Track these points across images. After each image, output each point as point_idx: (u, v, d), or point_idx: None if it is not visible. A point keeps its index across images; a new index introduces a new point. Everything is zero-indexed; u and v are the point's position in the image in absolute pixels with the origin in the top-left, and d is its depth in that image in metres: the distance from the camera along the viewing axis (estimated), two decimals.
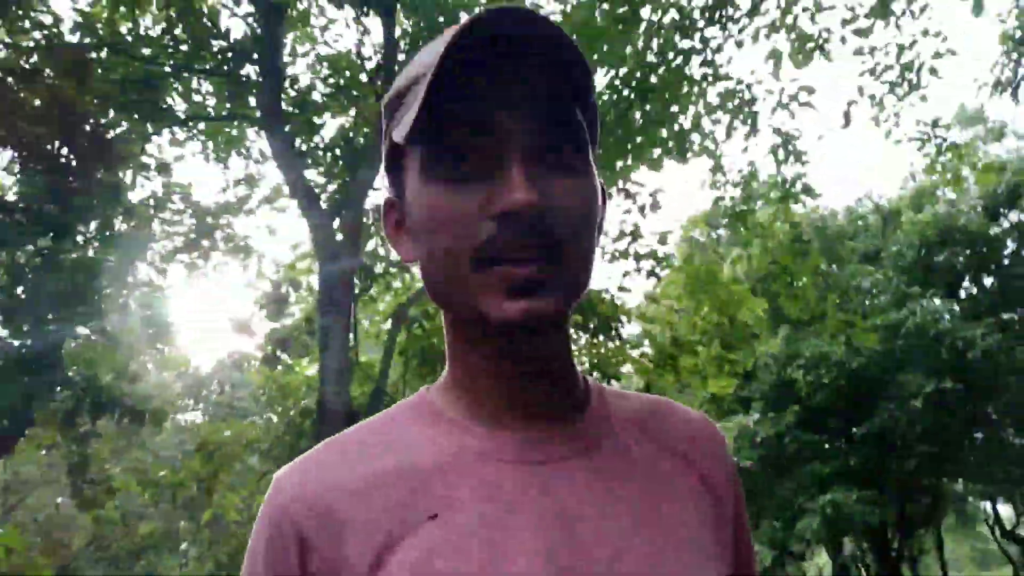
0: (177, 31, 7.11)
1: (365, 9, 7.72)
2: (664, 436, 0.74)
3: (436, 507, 0.63)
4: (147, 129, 8.18)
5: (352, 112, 8.69)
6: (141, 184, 8.95)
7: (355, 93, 8.62)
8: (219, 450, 11.85)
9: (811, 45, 5.83)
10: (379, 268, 11.12)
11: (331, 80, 8.53)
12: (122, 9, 7.13)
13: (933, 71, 5.83)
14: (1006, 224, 16.68)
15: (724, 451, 0.78)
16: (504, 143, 0.61)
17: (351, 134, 9.04)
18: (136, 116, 7.79)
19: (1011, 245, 16.92)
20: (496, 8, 0.58)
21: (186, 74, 7.70)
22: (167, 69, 7.60)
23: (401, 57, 8.43)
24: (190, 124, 8.31)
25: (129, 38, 7.51)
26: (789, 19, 5.96)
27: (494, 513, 0.63)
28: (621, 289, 10.39)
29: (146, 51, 7.47)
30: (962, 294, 17.42)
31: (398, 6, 7.74)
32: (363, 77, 8.62)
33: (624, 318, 10.90)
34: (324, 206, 8.46)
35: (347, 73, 8.60)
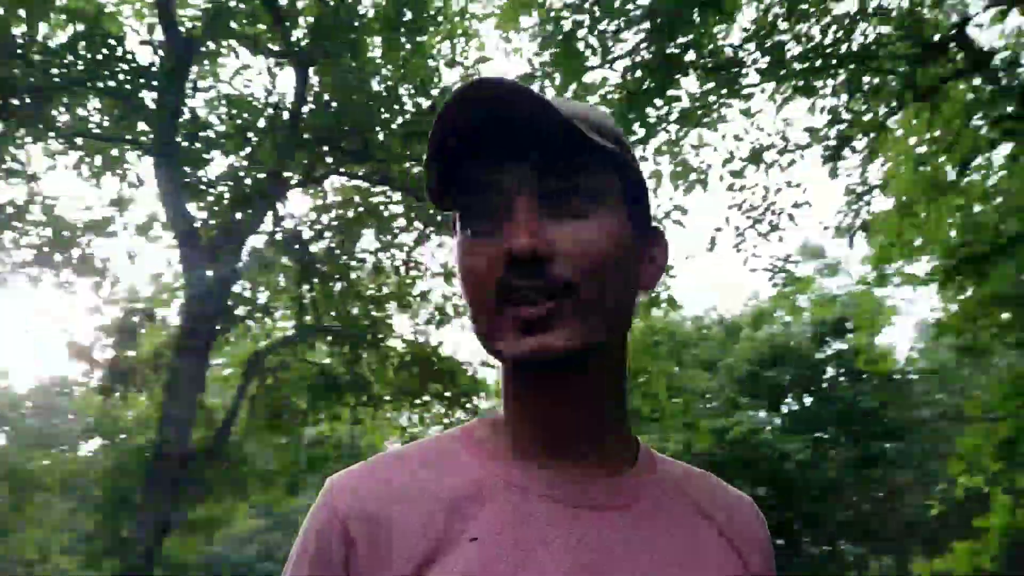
0: (81, 45, 6.88)
1: (280, 61, 7.79)
2: (708, 506, 0.77)
3: (474, 530, 0.67)
4: (20, 134, 7.76)
5: (245, 151, 8.61)
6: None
7: (251, 136, 8.57)
8: (29, 480, 10.90)
9: (692, 176, 6.49)
10: (241, 311, 10.82)
11: (229, 119, 8.45)
12: (20, 12, 6.85)
13: (791, 217, 6.64)
14: (829, 351, 18.48)
15: (767, 538, 0.80)
16: (510, 198, 0.67)
17: (240, 174, 8.93)
18: (12, 120, 7.39)
19: (831, 371, 18.75)
20: (469, 82, 0.65)
21: (78, 88, 7.42)
22: (57, 80, 7.30)
23: (305, 108, 8.51)
24: (71, 139, 7.96)
25: (20, 41, 7.18)
26: (676, 148, 6.60)
27: (527, 543, 0.66)
28: (484, 364, 10.61)
29: (38, 58, 7.16)
30: (784, 409, 19.00)
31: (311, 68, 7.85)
32: (261, 122, 8.61)
33: (483, 393, 11.12)
34: (202, 243, 8.26)
35: (246, 115, 8.55)
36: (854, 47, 5.94)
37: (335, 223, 9.87)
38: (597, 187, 0.69)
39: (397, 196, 9.44)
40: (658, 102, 5.79)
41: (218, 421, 10.41)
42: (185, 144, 8.21)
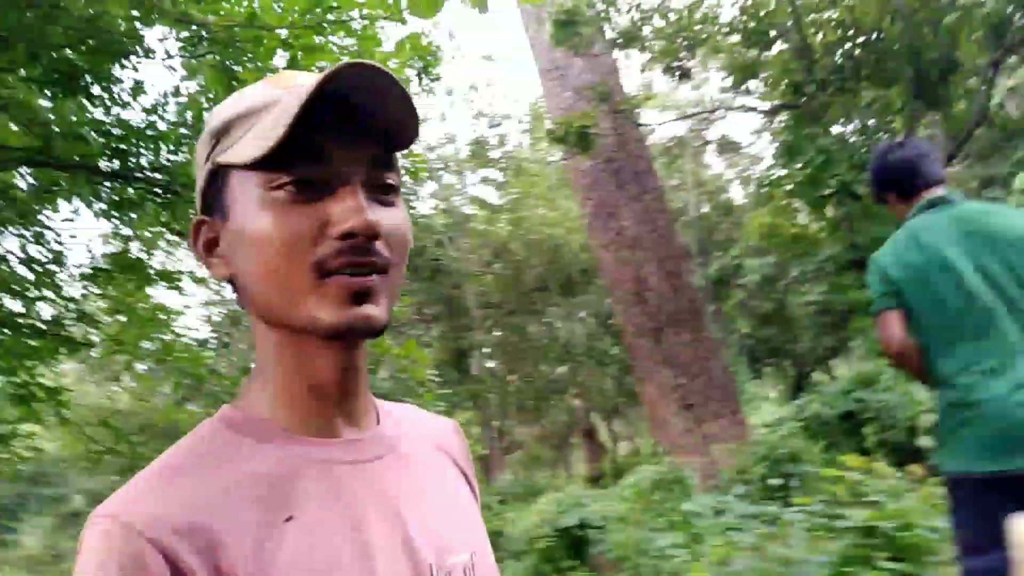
0: None
1: None
2: (430, 436, 0.88)
3: (293, 511, 0.68)
4: None
5: None
6: None
7: None
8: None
9: None
10: None
11: None
12: None
13: None
14: None
15: (466, 445, 0.94)
16: (344, 175, 0.70)
17: None
18: None
19: None
20: (353, 62, 0.67)
21: None
22: None
23: None
24: None
25: None
26: None
27: (347, 509, 0.70)
28: None
29: None
30: None
31: None
32: None
33: None
34: None
35: None
36: None
37: None
38: (397, 181, 0.75)
39: None
40: None
41: None
42: None
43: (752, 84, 9.81)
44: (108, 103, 4.07)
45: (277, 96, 0.71)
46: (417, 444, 0.84)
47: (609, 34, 9.70)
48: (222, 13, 3.56)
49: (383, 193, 0.73)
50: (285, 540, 0.66)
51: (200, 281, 6.53)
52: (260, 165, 0.69)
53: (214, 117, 0.76)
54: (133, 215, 4.56)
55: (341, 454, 0.75)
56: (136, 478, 0.68)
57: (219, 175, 0.75)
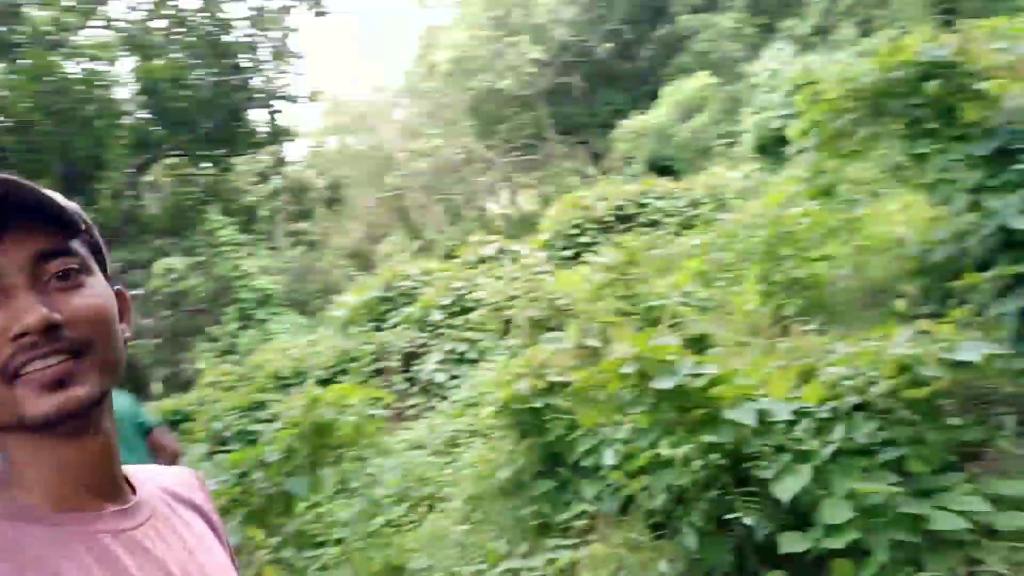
0: None
1: None
2: (178, 492, 0.95)
3: None
4: None
5: None
6: None
7: None
8: None
9: None
10: None
11: None
12: None
13: None
14: None
15: (209, 494, 1.02)
16: (5, 282, 0.74)
17: None
18: None
19: None
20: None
21: None
22: None
23: None
24: None
25: None
26: None
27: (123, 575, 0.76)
28: None
29: None
30: None
31: None
32: None
33: None
34: None
35: None
36: None
37: None
38: (84, 262, 0.81)
39: None
40: None
41: None
42: None
43: None
44: None
45: None
46: (170, 503, 0.91)
47: None
48: None
49: (62, 279, 0.77)
50: None
51: None
52: None
53: None
54: None
55: (110, 526, 0.79)
56: None
57: None
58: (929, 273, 4.34)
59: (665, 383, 2.89)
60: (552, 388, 4.25)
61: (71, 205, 0.82)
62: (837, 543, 2.47)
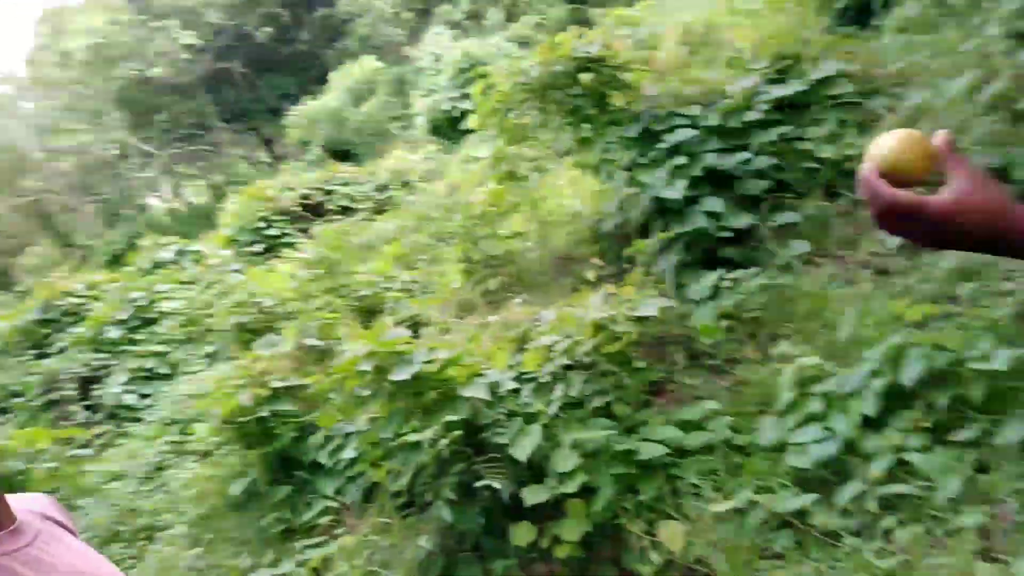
0: None
1: None
2: (43, 515, 0.97)
3: None
4: None
5: None
6: None
7: None
8: None
9: None
10: None
11: None
12: None
13: None
14: None
15: (65, 511, 1.05)
16: None
17: None
18: None
19: None
20: None
21: None
22: None
23: None
24: None
25: None
26: None
27: None
28: None
29: None
30: None
31: None
32: None
33: None
34: None
35: None
36: None
37: None
38: None
39: None
40: None
41: None
42: None
43: None
44: None
45: None
46: (43, 523, 0.94)
47: None
48: None
49: None
50: None
51: None
52: None
53: None
54: None
55: (6, 548, 0.82)
56: None
57: None
58: (603, 240, 5.01)
59: (403, 374, 3.05)
60: (276, 394, 4.19)
61: None
62: (571, 487, 2.85)
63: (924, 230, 0.93)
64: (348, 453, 3.75)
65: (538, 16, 21.28)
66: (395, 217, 9.32)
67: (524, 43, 17.56)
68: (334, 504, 4.05)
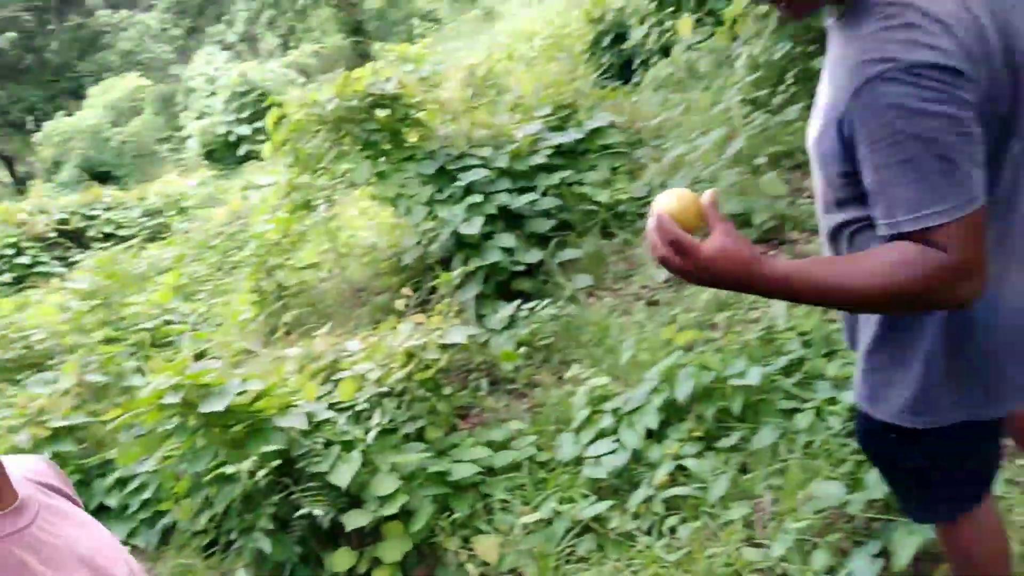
0: None
1: None
2: (40, 482, 0.96)
3: None
4: None
5: None
6: None
7: None
8: None
9: None
10: None
11: None
12: None
13: None
14: None
15: (61, 472, 1.06)
16: None
17: None
18: None
19: None
20: None
21: None
22: None
23: None
24: None
25: None
26: None
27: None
28: None
29: None
30: None
31: None
32: None
33: None
34: None
35: None
36: None
37: None
38: None
39: None
40: None
41: None
42: None
43: None
44: None
45: None
46: (44, 495, 0.93)
47: None
48: None
49: None
50: None
51: None
52: None
53: None
54: None
55: (6, 530, 0.82)
56: None
57: None
58: (404, 272, 5.18)
59: (216, 406, 3.00)
60: (58, 434, 3.87)
61: None
62: (390, 510, 2.96)
63: (695, 268, 1.22)
64: (146, 493, 3.55)
65: (316, 45, 21.12)
66: (171, 245, 8.80)
67: (304, 71, 17.35)
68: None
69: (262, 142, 14.07)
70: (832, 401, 2.97)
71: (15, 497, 0.87)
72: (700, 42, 6.66)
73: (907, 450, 1.48)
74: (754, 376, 3.10)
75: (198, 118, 14.23)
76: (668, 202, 1.28)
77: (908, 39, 1.14)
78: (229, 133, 13.34)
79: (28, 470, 0.99)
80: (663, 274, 4.44)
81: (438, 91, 6.81)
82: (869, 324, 1.43)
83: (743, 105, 5.66)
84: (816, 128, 1.37)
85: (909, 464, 1.52)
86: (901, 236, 1.18)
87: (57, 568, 0.83)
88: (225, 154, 13.23)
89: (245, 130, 13.23)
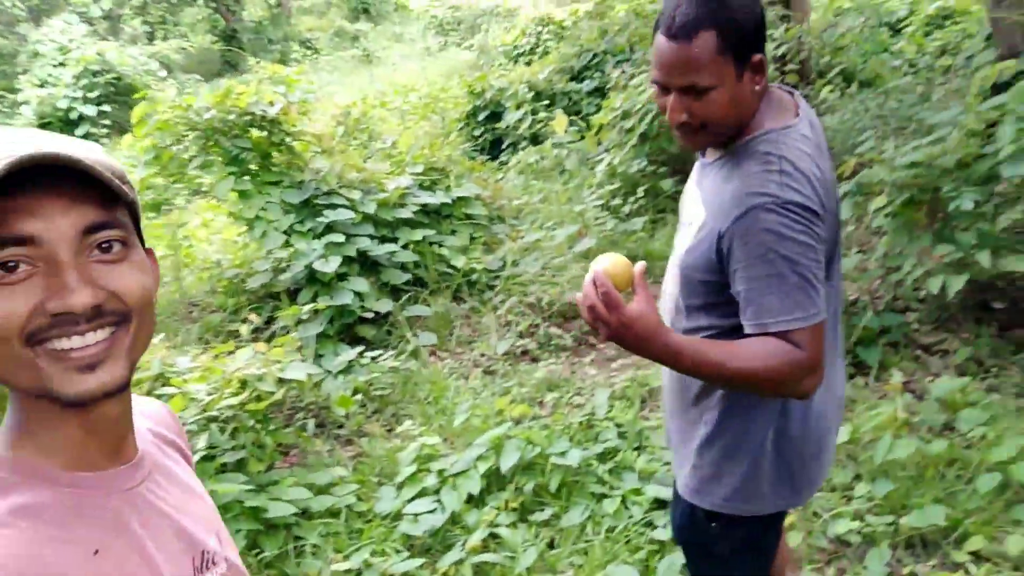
0: None
1: None
2: (158, 431, 0.98)
3: (93, 545, 0.76)
4: None
5: None
6: None
7: None
8: None
9: None
10: None
11: None
12: None
13: None
14: None
15: (179, 423, 1.06)
16: (50, 253, 0.72)
17: None
18: None
19: None
20: (39, 153, 0.69)
21: None
22: None
23: None
24: None
25: None
26: None
27: (133, 536, 0.80)
28: None
29: None
30: None
31: None
32: None
33: None
34: None
35: None
36: None
37: None
38: (126, 233, 0.78)
39: None
40: None
41: None
42: None
43: None
44: None
45: None
46: (160, 446, 0.96)
47: None
48: None
49: (105, 251, 0.76)
50: (100, 573, 0.75)
51: None
52: None
53: None
54: None
55: (118, 485, 0.83)
56: None
57: None
58: (243, 295, 5.06)
59: None
60: None
61: (117, 169, 0.79)
62: None
63: (617, 323, 1.42)
64: None
65: (184, 42, 20.27)
66: None
67: (166, 65, 16.58)
68: None
69: (106, 127, 13.22)
70: (637, 492, 3.25)
71: (135, 452, 0.88)
72: (571, 142, 7.14)
73: (726, 535, 1.73)
74: (574, 457, 3.34)
75: (39, 86, 13.14)
76: (606, 263, 1.49)
77: (782, 182, 1.43)
78: (71, 110, 12.40)
79: (150, 419, 0.99)
80: (503, 346, 4.66)
81: (308, 121, 6.80)
82: (700, 425, 1.68)
83: (598, 210, 6.12)
84: (687, 240, 1.62)
85: (723, 550, 1.76)
86: (765, 335, 1.44)
87: (154, 533, 0.83)
88: (61, 130, 12.27)
89: (90, 110, 12.34)
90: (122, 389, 0.78)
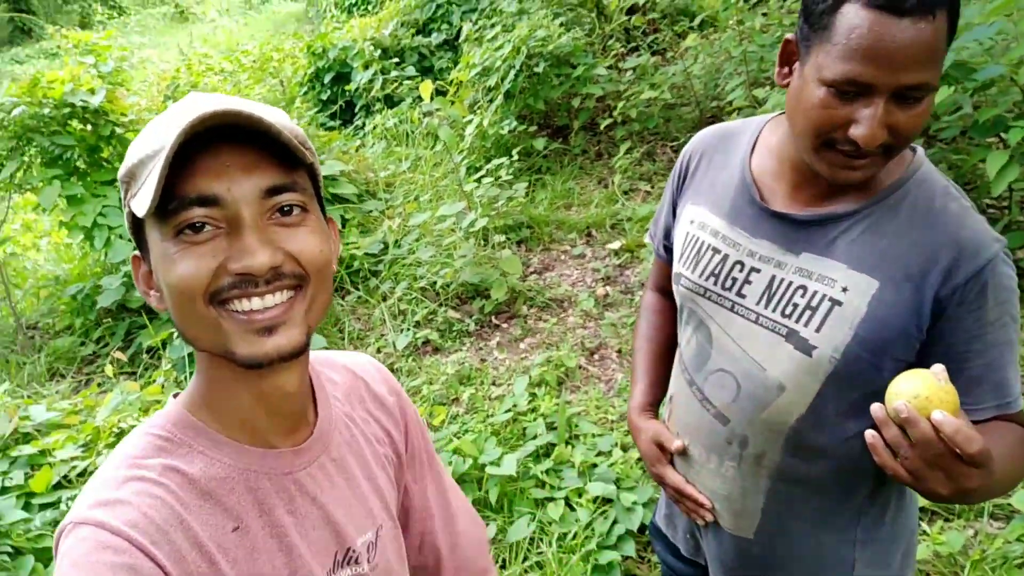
0: None
1: None
2: (354, 397, 0.98)
3: (237, 521, 0.77)
4: None
5: None
6: None
7: None
8: None
9: None
10: None
11: None
12: None
13: None
14: None
15: (388, 379, 1.04)
16: (234, 214, 0.72)
17: None
18: None
19: None
20: (223, 110, 0.69)
21: None
22: None
23: None
24: None
25: None
26: None
27: (278, 522, 0.80)
28: None
29: None
30: None
31: None
32: None
33: None
34: None
35: None
36: None
37: None
38: (305, 197, 0.77)
39: None
40: None
41: None
42: None
43: None
44: None
45: (163, 142, 0.70)
46: (347, 428, 0.93)
47: None
48: None
49: (285, 214, 0.75)
50: (232, 549, 0.76)
51: None
52: (156, 213, 0.72)
53: (126, 158, 0.76)
54: None
55: (278, 466, 0.82)
56: (102, 481, 0.74)
57: (137, 219, 0.76)
58: (91, 314, 4.42)
59: None
60: None
61: (299, 133, 0.77)
62: None
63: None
64: None
65: None
66: None
67: None
68: None
69: None
70: (579, 492, 3.10)
71: (308, 433, 0.86)
72: (438, 109, 6.77)
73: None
74: (510, 465, 3.13)
75: None
76: (917, 386, 0.97)
77: (985, 223, 1.10)
78: None
79: (350, 385, 0.97)
80: (403, 340, 4.34)
81: (128, 95, 6.02)
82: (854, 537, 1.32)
83: (470, 173, 5.83)
84: (848, 316, 1.12)
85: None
86: (1005, 417, 1.11)
87: (300, 521, 0.82)
88: None
89: None
90: (298, 354, 0.77)
